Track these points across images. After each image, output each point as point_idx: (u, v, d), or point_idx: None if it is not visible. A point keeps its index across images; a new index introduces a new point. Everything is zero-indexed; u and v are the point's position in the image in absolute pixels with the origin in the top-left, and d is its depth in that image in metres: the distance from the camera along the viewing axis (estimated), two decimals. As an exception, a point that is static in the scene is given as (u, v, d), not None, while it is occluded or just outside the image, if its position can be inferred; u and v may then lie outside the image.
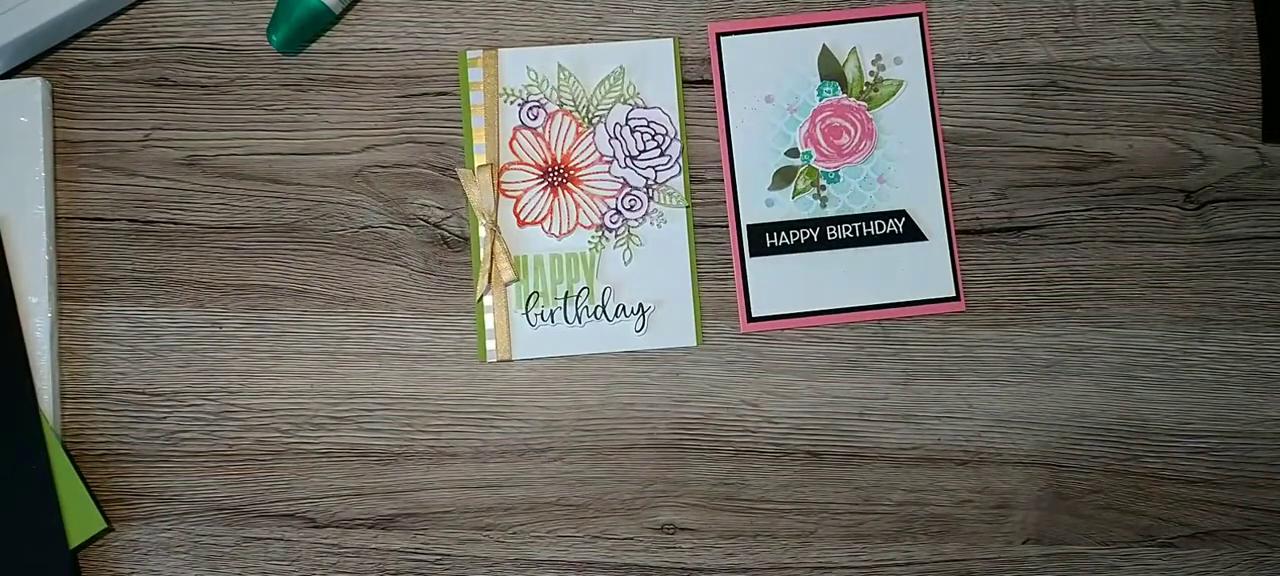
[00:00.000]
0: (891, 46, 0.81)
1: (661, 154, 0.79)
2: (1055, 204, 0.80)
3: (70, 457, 0.74)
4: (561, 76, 0.80)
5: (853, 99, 0.80)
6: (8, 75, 0.78)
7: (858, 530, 0.77)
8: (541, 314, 0.78)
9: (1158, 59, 0.81)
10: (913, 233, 0.79)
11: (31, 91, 0.77)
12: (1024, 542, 0.77)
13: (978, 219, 0.80)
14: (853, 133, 0.80)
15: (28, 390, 0.74)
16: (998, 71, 0.81)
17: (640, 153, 0.79)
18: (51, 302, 0.76)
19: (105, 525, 0.75)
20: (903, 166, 0.80)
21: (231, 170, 0.79)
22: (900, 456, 0.78)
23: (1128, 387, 0.78)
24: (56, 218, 0.78)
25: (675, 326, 0.78)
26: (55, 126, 0.79)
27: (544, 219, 0.79)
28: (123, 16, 0.80)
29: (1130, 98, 0.81)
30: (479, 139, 0.79)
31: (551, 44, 0.80)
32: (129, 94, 0.79)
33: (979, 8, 0.82)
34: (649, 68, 0.80)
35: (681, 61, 0.81)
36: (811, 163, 0.80)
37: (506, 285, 0.78)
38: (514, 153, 0.79)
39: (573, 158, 0.79)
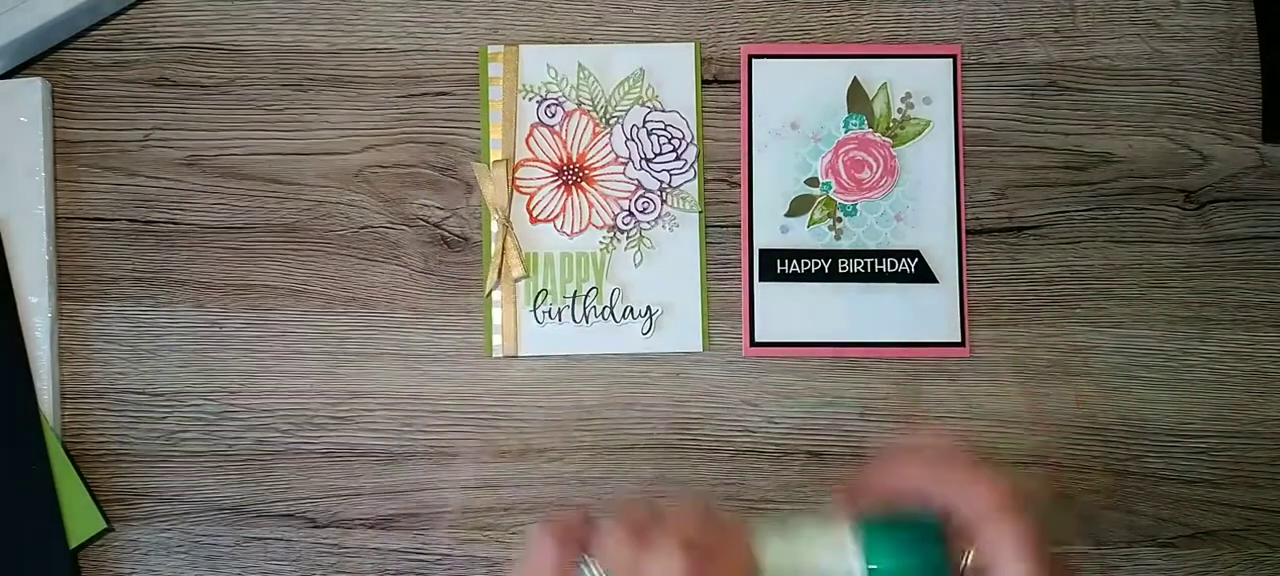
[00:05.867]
0: (922, 85, 0.80)
1: (677, 157, 0.79)
2: (1055, 204, 0.80)
3: (70, 457, 0.74)
4: (581, 76, 0.80)
5: (878, 134, 0.80)
6: (8, 75, 0.78)
7: (858, 530, 0.77)
8: (549, 311, 0.78)
9: (1158, 59, 0.81)
10: (924, 274, 0.79)
11: (31, 91, 0.77)
12: (1024, 542, 0.77)
13: (978, 219, 0.80)
14: (875, 168, 0.79)
15: (28, 390, 0.74)
16: (998, 71, 0.81)
17: (656, 155, 0.79)
18: (51, 303, 0.76)
19: (105, 525, 0.75)
20: (921, 207, 0.80)
21: (231, 170, 0.79)
22: (900, 456, 0.78)
23: (1128, 387, 0.78)
24: (56, 218, 0.78)
25: (682, 331, 0.78)
26: (55, 126, 0.79)
27: (556, 217, 0.79)
28: (123, 16, 0.80)
29: (1130, 98, 0.81)
30: (495, 134, 0.79)
31: (551, 43, 0.80)
32: (129, 94, 0.79)
33: (979, 8, 0.82)
34: (668, 71, 0.80)
35: (701, 65, 0.80)
36: (830, 193, 0.80)
37: (516, 281, 0.78)
38: (530, 149, 0.79)
39: (588, 157, 0.79)
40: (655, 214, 0.79)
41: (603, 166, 0.79)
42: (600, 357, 0.78)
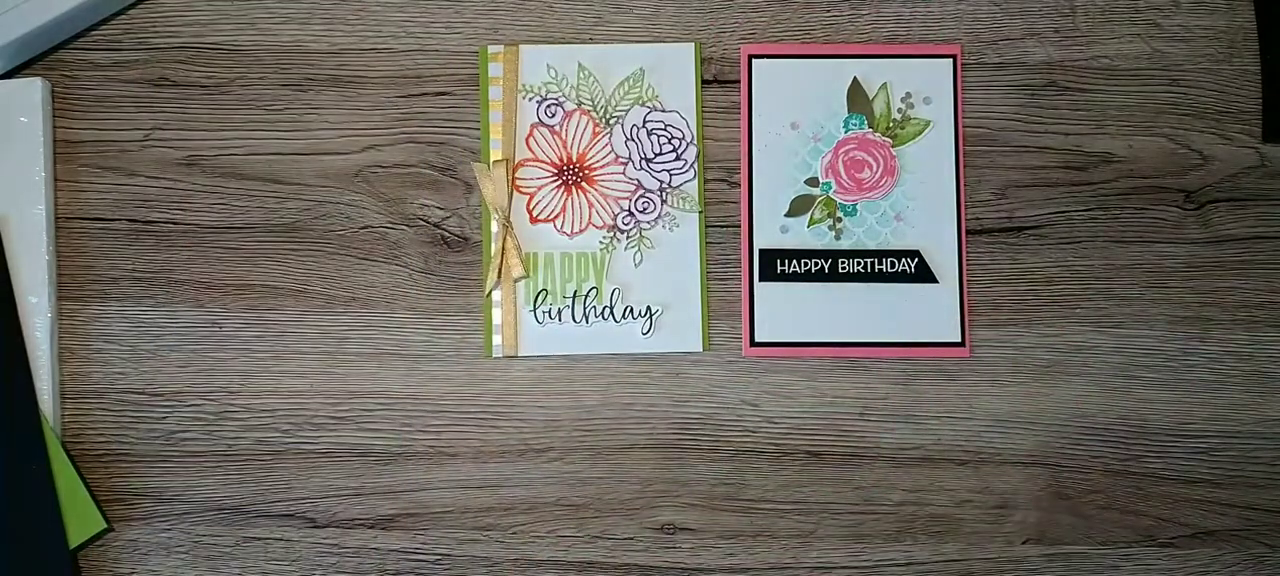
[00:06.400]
0: (922, 85, 0.80)
1: (677, 157, 0.79)
2: (1055, 204, 0.80)
3: (70, 457, 0.74)
4: (581, 75, 0.80)
5: (878, 134, 0.80)
6: (8, 75, 0.78)
7: (858, 530, 0.77)
8: (549, 311, 0.78)
9: (1158, 59, 0.81)
10: (924, 274, 0.79)
11: (31, 91, 0.77)
12: (1024, 542, 0.77)
13: (978, 219, 0.80)
14: (875, 168, 0.79)
15: (28, 390, 0.74)
16: (998, 71, 0.81)
17: (656, 155, 0.79)
18: (51, 303, 0.76)
19: (105, 525, 0.75)
20: (921, 206, 0.80)
21: (231, 170, 0.79)
22: (900, 456, 0.78)
23: (1128, 387, 0.78)
24: (56, 218, 0.78)
25: (682, 331, 0.78)
26: (55, 126, 0.79)
27: (556, 217, 0.79)
28: (123, 16, 0.80)
29: (1130, 98, 0.81)
30: (495, 134, 0.79)
31: (551, 43, 0.80)
32: (129, 94, 0.79)
33: (979, 8, 0.82)
34: (668, 71, 0.80)
35: (701, 65, 0.80)
36: (830, 193, 0.80)
37: (516, 281, 0.78)
38: (530, 149, 0.79)
39: (588, 157, 0.79)
40: (655, 214, 0.79)
41: (603, 166, 0.79)
42: (600, 357, 0.78)
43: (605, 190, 0.79)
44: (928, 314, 0.79)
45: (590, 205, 0.79)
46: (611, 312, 0.78)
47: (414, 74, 0.80)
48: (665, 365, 0.78)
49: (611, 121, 0.80)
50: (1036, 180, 0.80)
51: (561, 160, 0.79)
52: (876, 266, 0.79)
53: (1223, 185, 0.80)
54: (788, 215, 0.79)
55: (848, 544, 0.77)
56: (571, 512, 0.77)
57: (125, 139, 0.79)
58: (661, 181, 0.79)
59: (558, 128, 0.80)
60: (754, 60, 0.81)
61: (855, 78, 0.80)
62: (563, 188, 0.79)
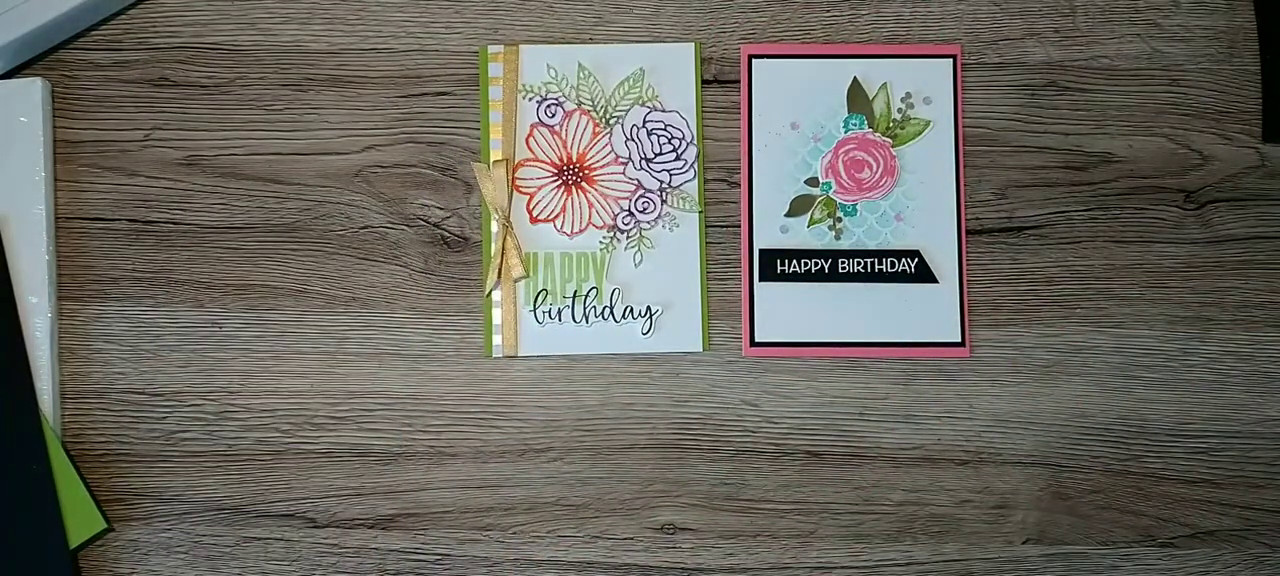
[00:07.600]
0: (922, 85, 0.80)
1: (677, 157, 0.79)
2: (1055, 204, 0.80)
3: (70, 457, 0.74)
4: (581, 75, 0.80)
5: (878, 134, 0.80)
6: (8, 75, 0.78)
7: (858, 530, 0.77)
8: (549, 311, 0.78)
9: (1158, 59, 0.81)
10: (924, 274, 0.79)
11: (31, 91, 0.77)
12: (1024, 542, 0.77)
13: (978, 219, 0.80)
14: (875, 168, 0.79)
15: (28, 390, 0.74)
16: (998, 71, 0.81)
17: (656, 155, 0.79)
18: (51, 303, 0.76)
19: (105, 525, 0.75)
20: (921, 206, 0.80)
21: (231, 170, 0.79)
22: (900, 456, 0.78)
23: (1128, 387, 0.78)
24: (56, 218, 0.78)
25: (682, 331, 0.78)
26: (55, 126, 0.79)
27: (556, 217, 0.79)
28: (123, 16, 0.80)
29: (1130, 98, 0.81)
30: (495, 134, 0.79)
31: (551, 43, 0.80)
32: (129, 94, 0.79)
33: (979, 8, 0.82)
34: (668, 71, 0.80)
35: (701, 65, 0.80)
36: (830, 194, 0.80)
37: (516, 281, 0.78)
38: (530, 149, 0.79)
39: (588, 157, 0.79)
40: (655, 214, 0.79)
41: (603, 166, 0.79)
42: (600, 357, 0.78)
43: (605, 190, 0.79)
44: (928, 314, 0.79)
45: (590, 205, 0.79)
46: (611, 312, 0.78)
47: (414, 74, 0.80)
48: (665, 365, 0.78)
49: (611, 121, 0.80)
50: (1036, 180, 0.80)
51: (561, 160, 0.80)
52: (876, 266, 0.79)
53: (1223, 185, 0.80)
54: (788, 215, 0.79)
55: (848, 544, 0.77)
56: (571, 512, 0.77)
57: (125, 139, 0.79)
58: (661, 181, 0.79)
59: (558, 128, 0.80)
60: (754, 60, 0.81)
61: (855, 78, 0.80)
62: (563, 188, 0.79)
